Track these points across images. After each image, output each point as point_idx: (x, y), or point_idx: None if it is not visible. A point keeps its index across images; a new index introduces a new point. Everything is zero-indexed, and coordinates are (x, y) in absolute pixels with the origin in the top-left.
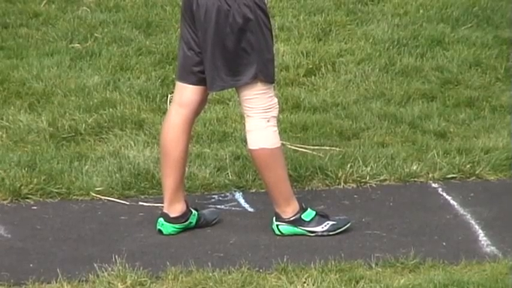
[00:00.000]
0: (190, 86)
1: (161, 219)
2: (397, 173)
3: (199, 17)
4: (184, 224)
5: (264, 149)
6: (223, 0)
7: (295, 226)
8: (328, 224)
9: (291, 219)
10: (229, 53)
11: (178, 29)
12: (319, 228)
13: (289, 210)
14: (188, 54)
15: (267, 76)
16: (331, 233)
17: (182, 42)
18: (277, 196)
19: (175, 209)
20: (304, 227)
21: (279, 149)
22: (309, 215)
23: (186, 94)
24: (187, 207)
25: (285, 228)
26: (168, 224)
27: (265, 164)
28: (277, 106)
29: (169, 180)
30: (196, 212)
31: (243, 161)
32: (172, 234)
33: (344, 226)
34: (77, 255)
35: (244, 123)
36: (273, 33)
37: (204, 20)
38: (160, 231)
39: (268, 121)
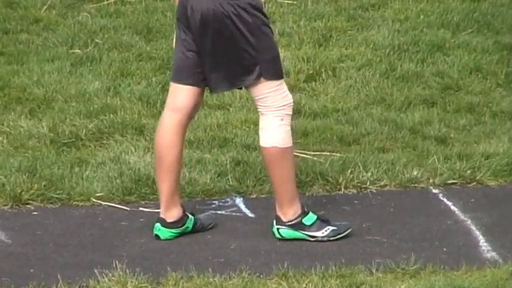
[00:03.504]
0: (186, 88)
1: (158, 225)
2: (398, 179)
3: (194, 22)
4: (181, 228)
5: (276, 147)
6: (219, 4)
7: (296, 230)
8: (329, 229)
9: (292, 222)
10: (231, 56)
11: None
12: (319, 233)
13: (291, 212)
14: (187, 55)
15: (272, 74)
16: (331, 239)
17: (180, 44)
18: (282, 195)
19: (172, 214)
20: (304, 231)
21: (291, 148)
22: (310, 219)
23: (179, 98)
24: (184, 212)
25: (286, 232)
26: (165, 229)
27: (274, 162)
28: (292, 104)
29: (164, 185)
30: (192, 217)
31: (244, 166)
32: (169, 239)
33: (345, 232)
34: (77, 261)
35: (244, 129)
36: (273, 30)
37: (201, 25)
38: (157, 236)
39: (281, 119)
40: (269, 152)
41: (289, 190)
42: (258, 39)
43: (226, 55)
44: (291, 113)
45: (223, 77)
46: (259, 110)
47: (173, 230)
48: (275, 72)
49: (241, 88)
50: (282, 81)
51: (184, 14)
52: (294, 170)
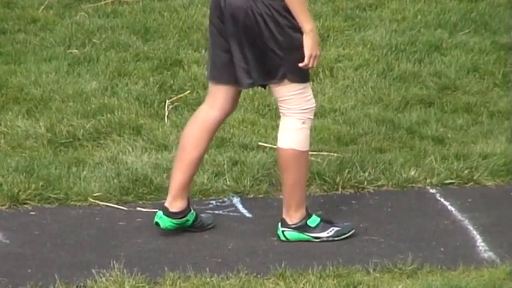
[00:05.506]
0: (223, 87)
1: (160, 212)
2: (395, 179)
3: (227, 14)
4: (182, 220)
5: (294, 150)
6: (253, 2)
7: (301, 232)
8: (333, 229)
9: (297, 225)
10: (258, 54)
11: (176, 35)
12: (324, 234)
13: (296, 216)
14: (219, 53)
15: (297, 76)
16: (336, 239)
17: (211, 41)
18: (291, 199)
19: (177, 205)
20: (309, 233)
21: (307, 153)
22: (314, 221)
23: (219, 98)
24: (188, 205)
25: (291, 234)
26: (166, 217)
27: (289, 164)
28: (314, 108)
29: (179, 175)
30: (194, 212)
31: (241, 166)
32: (169, 229)
33: (349, 232)
34: (75, 261)
35: (242, 129)
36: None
37: (232, 19)
38: (157, 223)
39: (303, 122)
40: (286, 154)
41: (299, 194)
42: (287, 40)
43: (254, 52)
44: (312, 117)
45: (248, 73)
46: (281, 111)
47: (174, 220)
48: (300, 75)
49: (264, 87)
50: (307, 84)
51: (217, 5)
52: (306, 174)
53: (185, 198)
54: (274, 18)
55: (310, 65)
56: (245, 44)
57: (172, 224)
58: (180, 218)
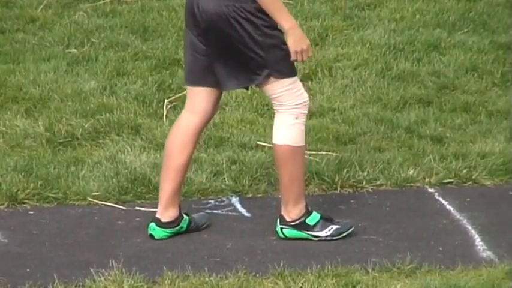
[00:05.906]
0: (203, 90)
1: (153, 224)
2: (394, 178)
3: (202, 20)
4: (176, 228)
5: (288, 145)
6: (225, 7)
7: (300, 230)
8: (332, 228)
9: (296, 222)
10: (239, 55)
11: (175, 34)
12: (323, 233)
13: (294, 212)
14: (198, 57)
15: (283, 73)
16: (334, 238)
17: (189, 47)
18: (288, 194)
19: (169, 214)
20: (308, 231)
21: (302, 148)
22: (313, 219)
23: (198, 102)
24: (180, 212)
25: (289, 232)
26: (159, 228)
27: (285, 160)
28: (307, 103)
29: (168, 185)
30: (187, 217)
31: (240, 166)
32: (164, 239)
33: (348, 230)
34: (73, 260)
35: (240, 128)
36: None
37: (208, 25)
38: (151, 236)
39: (296, 118)
40: (280, 150)
41: (297, 190)
42: (265, 39)
43: (235, 55)
44: (306, 111)
45: (232, 74)
46: (274, 108)
47: (168, 230)
48: (286, 71)
49: (247, 88)
50: (295, 79)
51: (192, 12)
52: (303, 169)
53: (177, 206)
54: (249, 20)
55: (299, 60)
56: (225, 48)
57: (166, 233)
58: (173, 227)
